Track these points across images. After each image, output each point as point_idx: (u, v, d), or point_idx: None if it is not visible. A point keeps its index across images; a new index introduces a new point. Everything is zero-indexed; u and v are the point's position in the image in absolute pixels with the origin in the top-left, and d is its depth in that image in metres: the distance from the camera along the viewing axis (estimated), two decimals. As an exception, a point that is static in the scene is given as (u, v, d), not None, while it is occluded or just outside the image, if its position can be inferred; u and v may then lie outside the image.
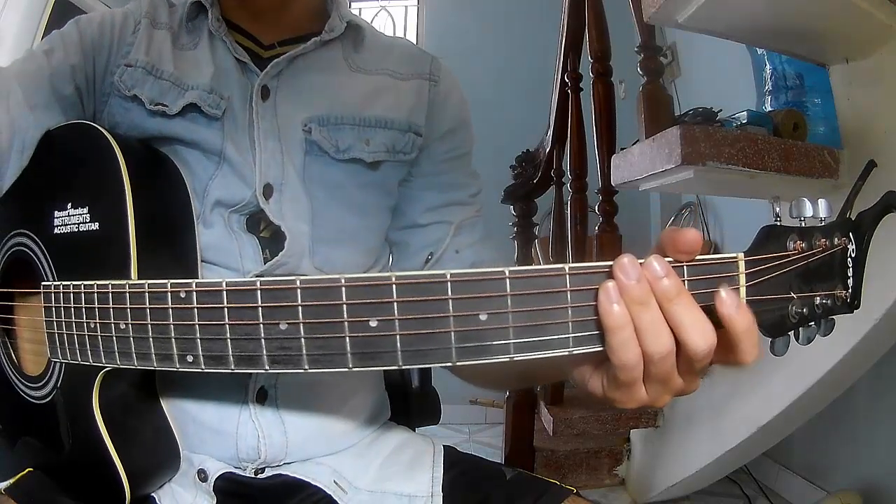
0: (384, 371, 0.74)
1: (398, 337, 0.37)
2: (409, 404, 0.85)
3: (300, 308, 0.38)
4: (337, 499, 0.60)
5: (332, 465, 0.62)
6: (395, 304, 0.37)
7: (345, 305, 0.37)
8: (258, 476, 0.59)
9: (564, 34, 1.93)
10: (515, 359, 0.37)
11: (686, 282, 0.37)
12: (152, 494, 0.58)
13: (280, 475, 0.60)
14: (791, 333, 0.39)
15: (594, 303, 0.36)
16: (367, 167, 0.63)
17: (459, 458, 0.66)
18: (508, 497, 0.60)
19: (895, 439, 1.53)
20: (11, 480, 0.56)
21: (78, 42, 0.60)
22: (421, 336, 0.37)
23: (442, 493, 0.61)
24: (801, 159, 1.08)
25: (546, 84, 2.12)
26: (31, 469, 0.58)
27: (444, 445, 0.68)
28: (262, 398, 0.59)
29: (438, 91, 0.69)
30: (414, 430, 0.75)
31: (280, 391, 0.59)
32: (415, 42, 3.16)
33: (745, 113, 1.17)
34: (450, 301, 0.36)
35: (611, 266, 0.36)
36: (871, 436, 1.61)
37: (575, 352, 0.37)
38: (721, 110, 1.23)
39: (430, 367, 0.94)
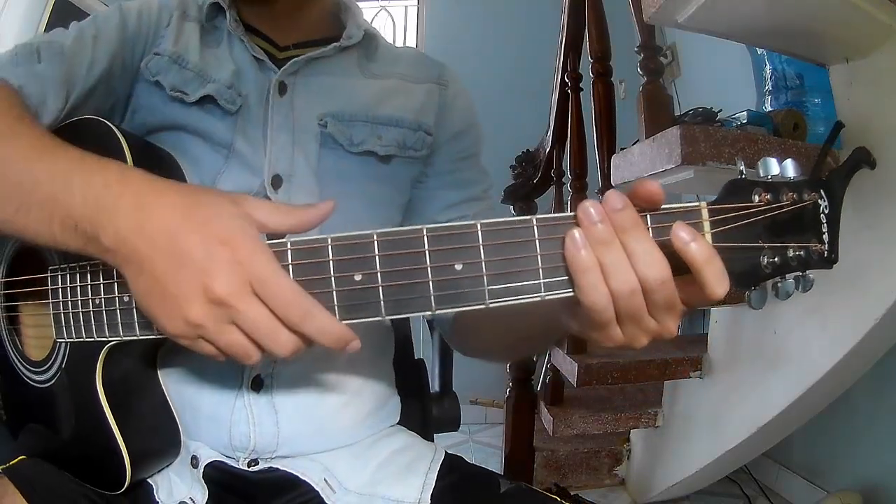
0: (400, 373, 0.75)
1: (381, 289, 0.40)
2: (425, 409, 0.85)
3: (291, 267, 0.41)
4: (325, 497, 0.60)
5: (326, 463, 0.62)
6: (377, 258, 0.40)
7: (331, 262, 0.40)
8: (251, 468, 0.60)
9: (564, 34, 1.93)
10: (491, 305, 0.39)
11: (650, 229, 0.39)
12: (149, 482, 0.59)
13: (272, 469, 0.61)
14: (769, 288, 0.40)
15: (562, 250, 0.39)
16: (380, 160, 0.66)
17: (458, 467, 0.66)
18: None
19: (895, 439, 1.53)
20: (9, 463, 0.57)
21: (120, 28, 0.63)
22: (402, 287, 0.40)
23: (431, 500, 0.60)
24: (800, 159, 1.07)
25: (546, 84, 2.12)
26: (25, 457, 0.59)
27: (446, 453, 0.68)
28: (258, 386, 0.60)
29: (447, 94, 0.72)
30: (432, 437, 0.75)
31: (276, 381, 0.60)
32: (415, 42, 3.17)
33: (745, 113, 1.17)
34: (427, 253, 0.40)
35: (575, 216, 0.39)
36: (871, 436, 1.61)
37: (546, 297, 0.40)
38: (721, 110, 1.23)
39: (451, 372, 0.94)
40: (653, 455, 1.76)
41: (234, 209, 0.41)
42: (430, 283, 0.40)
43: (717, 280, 0.38)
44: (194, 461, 0.59)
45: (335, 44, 0.66)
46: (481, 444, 2.58)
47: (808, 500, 1.73)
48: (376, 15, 3.27)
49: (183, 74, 0.62)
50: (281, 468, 0.61)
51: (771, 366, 1.33)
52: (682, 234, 0.37)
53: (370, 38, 0.70)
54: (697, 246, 0.37)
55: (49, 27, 1.94)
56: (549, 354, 1.71)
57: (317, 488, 0.60)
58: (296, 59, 0.64)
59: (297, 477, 0.61)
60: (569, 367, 1.51)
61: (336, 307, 0.41)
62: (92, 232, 0.42)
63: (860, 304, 1.09)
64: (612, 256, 0.38)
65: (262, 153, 0.62)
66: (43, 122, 0.55)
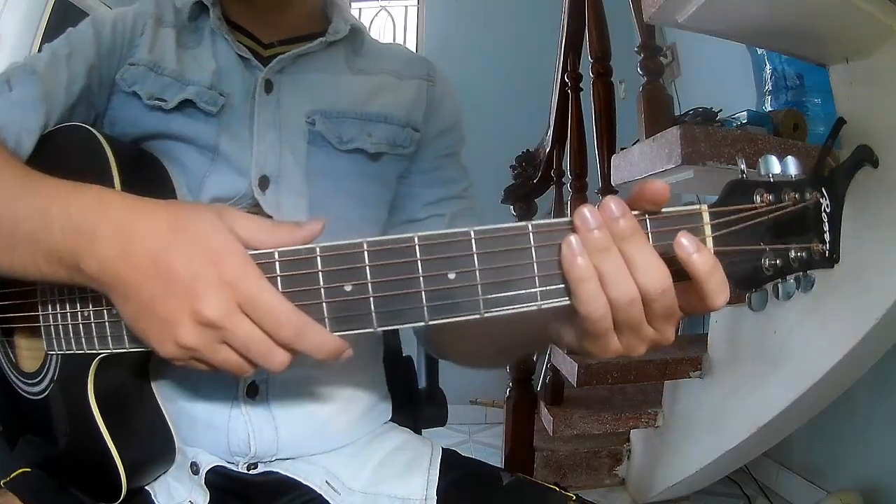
0: (389, 370, 0.75)
1: (372, 299, 0.39)
2: (414, 406, 0.85)
3: (278, 278, 0.40)
4: (329, 499, 0.60)
5: (326, 465, 0.62)
6: (368, 268, 0.39)
7: (320, 273, 0.39)
8: (250, 471, 0.60)
9: (564, 34, 1.93)
10: (486, 315, 0.38)
11: (650, 234, 0.38)
12: (147, 488, 0.59)
13: (272, 472, 0.60)
14: (769, 289, 0.40)
15: (558, 258, 0.37)
16: (369, 158, 0.65)
17: (458, 462, 0.66)
18: (506, 503, 0.60)
19: (895, 439, 1.53)
20: (10, 476, 0.57)
21: (94, 42, 0.62)
22: (393, 297, 0.39)
23: (437, 497, 0.60)
24: (801, 159, 1.07)
25: (546, 84, 2.12)
26: (28, 469, 0.58)
27: (443, 448, 0.68)
28: (253, 393, 0.59)
29: (435, 91, 0.72)
30: (420, 433, 0.75)
31: (271, 387, 0.60)
32: (415, 42, 3.17)
33: (745, 113, 1.17)
34: (419, 262, 0.38)
35: (572, 221, 0.37)
36: (871, 436, 1.61)
37: (543, 306, 0.38)
38: (721, 110, 1.24)
39: (437, 368, 0.94)
40: (653, 455, 1.76)
41: (218, 224, 0.40)
42: (423, 293, 0.38)
43: (718, 291, 0.37)
44: (194, 467, 0.59)
45: (321, 39, 0.65)
46: (481, 444, 2.58)
47: (808, 500, 1.73)
48: (376, 15, 3.27)
49: (160, 81, 0.61)
50: (281, 471, 0.60)
51: (771, 366, 1.33)
52: (685, 242, 0.36)
53: (356, 33, 0.69)
54: (700, 257, 0.36)
55: (49, 27, 1.94)
56: (549, 354, 1.71)
57: (319, 491, 0.60)
58: (282, 56, 0.63)
59: (299, 482, 0.60)
60: (569, 367, 1.51)
61: (326, 319, 0.39)
62: (74, 262, 0.41)
63: (860, 304, 1.09)
64: (610, 264, 0.37)
65: (248, 153, 0.61)
66: (27, 146, 0.55)
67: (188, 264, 0.39)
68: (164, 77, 0.61)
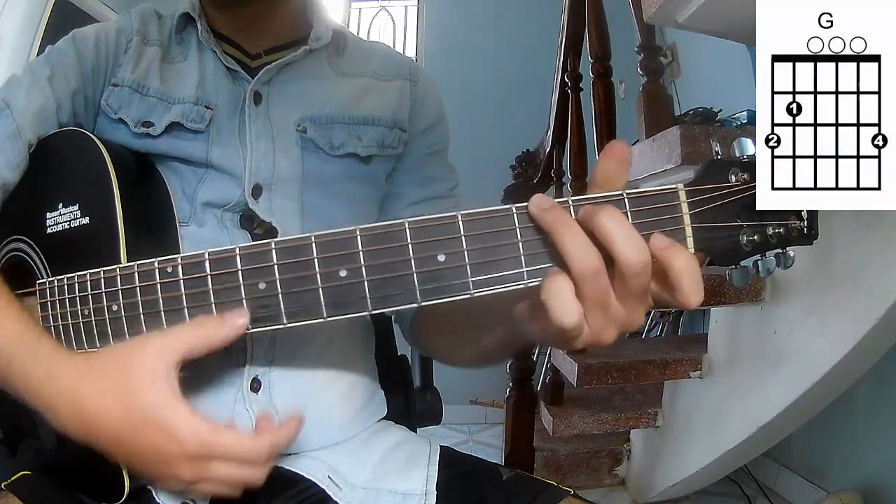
0: (384, 369, 0.75)
1: (366, 283, 0.40)
2: (409, 404, 0.85)
3: (276, 267, 0.41)
4: (331, 494, 0.60)
5: (327, 461, 0.62)
6: (361, 253, 0.40)
7: (316, 260, 0.41)
8: None
9: (564, 34, 1.93)
10: (475, 294, 0.39)
11: (629, 213, 0.39)
12: (149, 487, 0.59)
13: (275, 467, 0.60)
14: (749, 266, 0.41)
15: (541, 236, 0.39)
16: (361, 161, 0.66)
17: (456, 458, 0.66)
18: (505, 497, 0.60)
19: (895, 439, 1.53)
20: (12, 479, 0.57)
21: (77, 64, 0.62)
22: (386, 280, 0.40)
23: (436, 492, 0.61)
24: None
25: (546, 84, 2.12)
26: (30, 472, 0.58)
27: (441, 445, 0.68)
28: (256, 388, 0.60)
29: (418, 90, 0.72)
30: (416, 431, 0.75)
31: (273, 381, 0.60)
32: (415, 42, 3.17)
33: (745, 113, 1.17)
34: (409, 246, 0.40)
35: (557, 203, 0.39)
36: (871, 436, 1.61)
37: (530, 284, 0.39)
38: (721, 110, 1.24)
39: (432, 367, 0.94)
40: (653, 455, 1.77)
41: (158, 385, 0.44)
42: (414, 275, 0.40)
43: (692, 289, 0.37)
44: None
45: (305, 47, 0.66)
46: (481, 444, 2.58)
47: (808, 500, 1.73)
48: (376, 15, 3.28)
49: (146, 103, 0.61)
50: (285, 467, 0.61)
51: (771, 366, 1.33)
52: (658, 239, 0.37)
53: (338, 36, 0.69)
54: (675, 251, 0.37)
55: (49, 27, 1.94)
56: (549, 354, 1.72)
57: (322, 486, 0.60)
58: (268, 67, 0.64)
59: (303, 476, 0.61)
60: (569, 367, 1.51)
61: (322, 305, 0.41)
62: (47, 414, 0.46)
63: (860, 304, 1.09)
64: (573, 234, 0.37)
65: (240, 162, 0.61)
66: (11, 180, 0.58)
67: (149, 445, 0.44)
68: (149, 98, 0.61)
